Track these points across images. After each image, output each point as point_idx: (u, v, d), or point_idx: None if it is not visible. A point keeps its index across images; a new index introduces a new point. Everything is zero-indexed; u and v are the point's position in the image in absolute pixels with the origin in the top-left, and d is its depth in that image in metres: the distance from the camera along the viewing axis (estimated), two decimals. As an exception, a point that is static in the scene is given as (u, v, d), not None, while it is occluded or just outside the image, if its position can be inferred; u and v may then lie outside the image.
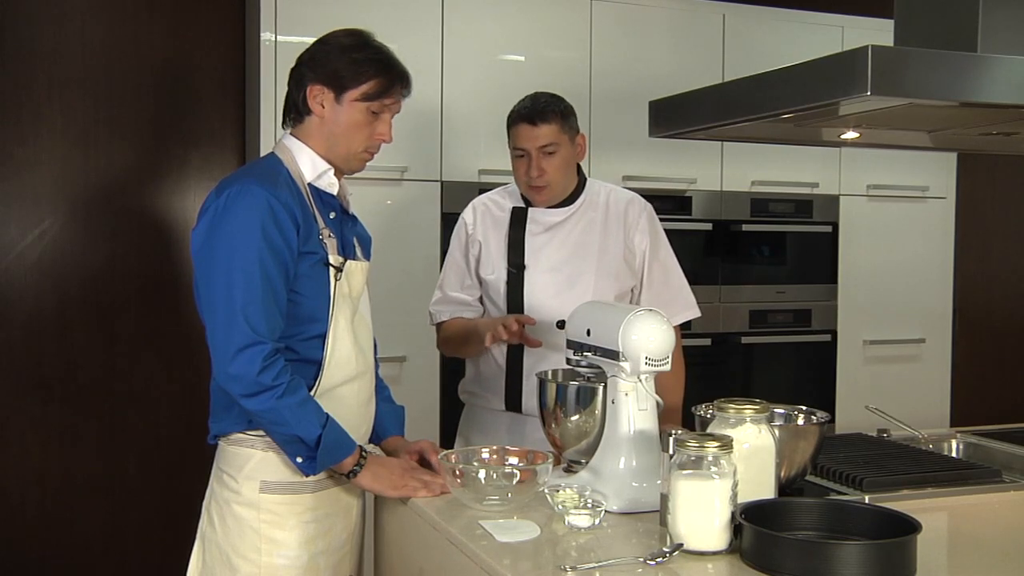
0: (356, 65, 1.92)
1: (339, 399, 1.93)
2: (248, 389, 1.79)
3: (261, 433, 1.89)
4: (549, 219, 2.51)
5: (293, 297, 1.88)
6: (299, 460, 1.85)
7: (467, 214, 2.60)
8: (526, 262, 2.48)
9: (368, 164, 2.06)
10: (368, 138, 1.97)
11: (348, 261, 1.96)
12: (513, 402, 2.47)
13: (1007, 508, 1.93)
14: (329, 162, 1.97)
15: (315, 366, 1.91)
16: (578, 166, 2.55)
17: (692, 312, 2.59)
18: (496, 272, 2.51)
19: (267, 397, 1.79)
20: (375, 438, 2.12)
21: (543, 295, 2.45)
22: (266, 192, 1.83)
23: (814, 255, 4.10)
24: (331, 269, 1.92)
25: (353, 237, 2.05)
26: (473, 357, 2.57)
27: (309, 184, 1.95)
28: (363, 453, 1.92)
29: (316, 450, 1.83)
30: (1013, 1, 2.01)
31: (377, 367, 2.12)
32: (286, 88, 2.00)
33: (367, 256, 2.09)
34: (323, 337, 1.91)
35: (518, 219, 2.52)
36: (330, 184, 1.97)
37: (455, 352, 2.61)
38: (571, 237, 2.50)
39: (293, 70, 1.98)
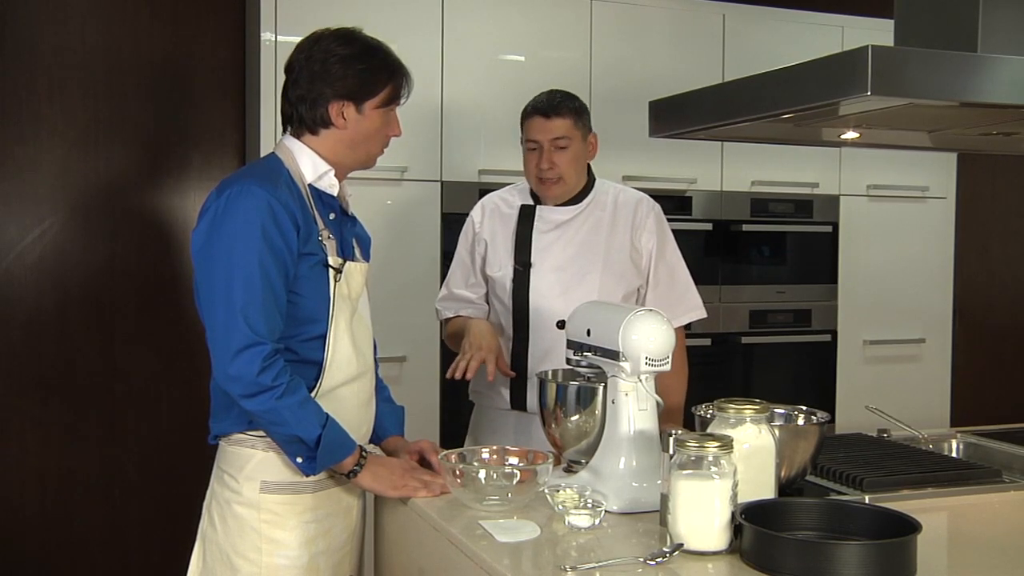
0: (368, 75, 1.95)
1: (339, 400, 1.93)
2: (248, 390, 1.79)
3: (262, 433, 1.89)
4: (557, 217, 2.52)
5: (292, 298, 1.88)
6: (299, 460, 1.85)
7: (475, 212, 2.61)
8: (532, 260, 2.49)
9: None
10: (386, 138, 2.03)
11: (347, 262, 1.96)
12: (518, 401, 2.47)
13: (1007, 508, 1.93)
14: (344, 165, 1.99)
15: (315, 367, 1.91)
16: (588, 166, 2.56)
17: (698, 313, 2.59)
18: (503, 269, 2.51)
19: (267, 397, 1.79)
20: (375, 438, 2.12)
21: (548, 293, 2.46)
22: (266, 193, 1.84)
23: (814, 255, 4.10)
24: (330, 270, 1.92)
25: (352, 238, 2.05)
26: None
27: (309, 185, 1.95)
28: (363, 453, 1.92)
29: (316, 450, 1.83)
30: (1013, 1, 2.01)
31: (377, 367, 2.12)
32: (288, 97, 1.99)
33: (366, 257, 2.10)
34: (323, 338, 1.92)
35: (526, 216, 2.53)
36: (330, 185, 1.98)
37: (457, 349, 2.62)
38: (578, 236, 2.50)
39: (302, 84, 1.95)
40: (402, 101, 2.02)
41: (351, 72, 1.93)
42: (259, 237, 1.81)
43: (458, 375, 2.30)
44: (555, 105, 2.45)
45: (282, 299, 1.85)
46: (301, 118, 1.97)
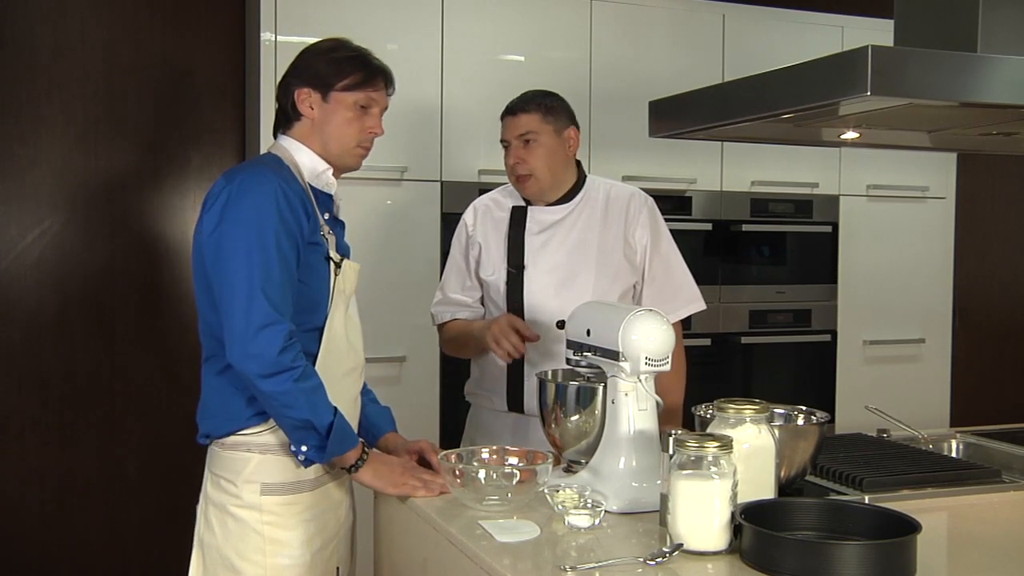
0: (336, 63, 1.96)
1: (335, 392, 1.93)
2: (267, 369, 1.77)
3: (258, 434, 1.89)
4: (548, 218, 2.51)
5: (299, 287, 1.89)
6: (304, 449, 1.83)
7: (468, 215, 2.60)
8: (525, 262, 2.48)
9: (368, 164, 2.10)
10: (359, 132, 1.99)
11: (345, 260, 1.99)
12: (515, 403, 2.47)
13: (1007, 508, 1.93)
14: (325, 162, 2.00)
15: (310, 359, 1.91)
16: (578, 163, 2.55)
17: (697, 305, 2.56)
18: (496, 272, 2.51)
19: (285, 378, 1.78)
20: (370, 437, 2.13)
21: (543, 295, 2.45)
22: (278, 178, 1.87)
23: (814, 255, 4.10)
24: (331, 264, 1.95)
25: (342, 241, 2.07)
26: (474, 358, 2.57)
27: (307, 183, 1.97)
28: (365, 448, 1.93)
29: (327, 438, 1.82)
30: (1013, 1, 2.01)
31: None
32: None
33: None
34: (318, 331, 1.93)
35: (518, 219, 2.52)
36: (328, 184, 2.00)
37: (457, 353, 2.62)
38: (570, 236, 2.49)
39: (279, 83, 2.03)
40: (372, 93, 1.98)
41: (316, 60, 1.97)
42: (275, 217, 1.82)
43: (512, 357, 2.32)
44: (522, 102, 2.46)
45: (295, 281, 1.87)
46: (278, 115, 2.01)
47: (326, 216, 1.99)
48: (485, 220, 2.56)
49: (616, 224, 2.50)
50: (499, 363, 2.47)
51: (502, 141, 2.49)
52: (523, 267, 2.48)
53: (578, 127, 2.52)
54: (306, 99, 1.96)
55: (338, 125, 1.97)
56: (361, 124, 1.99)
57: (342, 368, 1.97)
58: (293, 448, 1.86)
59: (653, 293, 2.50)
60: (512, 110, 2.47)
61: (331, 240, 1.96)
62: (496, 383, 2.49)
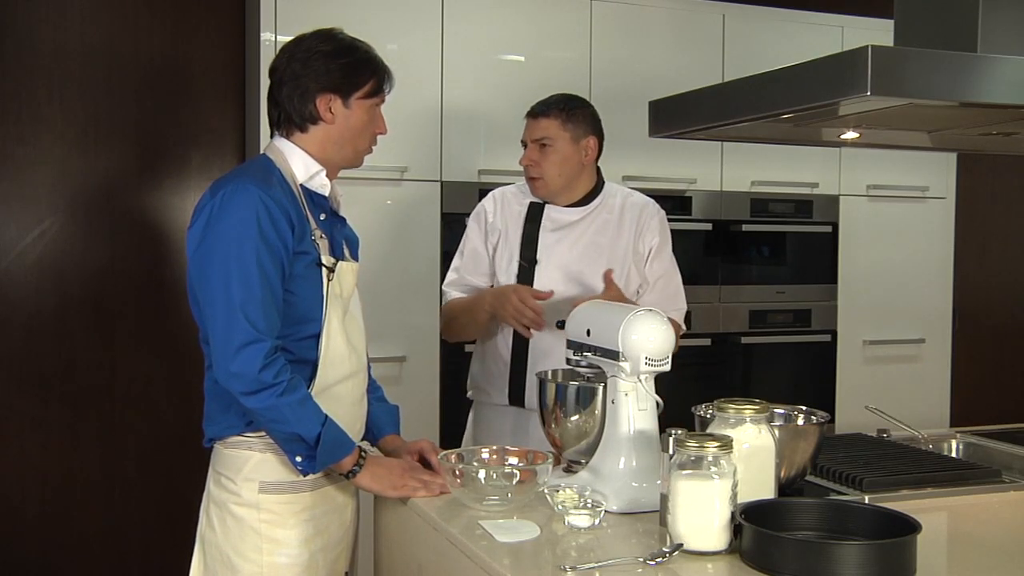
0: (352, 68, 1.97)
1: (334, 398, 1.94)
2: (249, 387, 1.79)
3: (259, 435, 1.90)
4: (564, 218, 2.53)
5: (288, 298, 1.89)
6: (298, 459, 1.85)
7: (487, 202, 2.62)
8: (538, 258, 2.50)
9: (368, 164, 2.13)
10: (373, 133, 2.04)
11: (339, 262, 1.98)
12: (517, 396, 2.48)
13: (1007, 508, 1.93)
14: (333, 163, 2.00)
15: (310, 366, 1.92)
16: (598, 169, 2.58)
17: (681, 313, 2.63)
18: (509, 265, 2.52)
19: (268, 395, 1.80)
20: (370, 437, 2.13)
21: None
22: (261, 191, 1.85)
23: (814, 255, 4.10)
24: (323, 269, 1.93)
25: (342, 239, 2.06)
26: (474, 335, 2.58)
27: (300, 185, 1.96)
28: (362, 453, 1.92)
29: (316, 448, 1.83)
30: (1013, 1, 2.02)
31: (369, 367, 2.13)
32: (274, 99, 2.00)
33: (355, 257, 2.11)
34: (317, 337, 1.92)
35: (534, 215, 2.54)
36: (321, 185, 1.99)
37: (458, 334, 2.63)
38: (584, 237, 2.52)
39: (288, 82, 1.96)
40: (385, 96, 2.03)
41: (334, 66, 1.95)
42: (255, 234, 1.82)
43: (534, 330, 2.36)
44: (544, 106, 2.51)
45: (279, 296, 1.86)
46: (289, 116, 1.98)
47: (322, 217, 1.99)
48: (505, 210, 2.59)
49: (629, 231, 2.54)
50: (502, 356, 2.49)
51: (523, 141, 2.53)
52: (535, 262, 2.49)
53: (600, 136, 2.55)
54: (328, 104, 1.95)
55: (358, 129, 1.99)
56: (374, 126, 2.03)
57: (344, 372, 1.97)
58: (288, 458, 1.87)
59: (652, 300, 2.51)
60: (534, 113, 2.52)
61: (323, 244, 1.95)
62: (499, 377, 2.51)
